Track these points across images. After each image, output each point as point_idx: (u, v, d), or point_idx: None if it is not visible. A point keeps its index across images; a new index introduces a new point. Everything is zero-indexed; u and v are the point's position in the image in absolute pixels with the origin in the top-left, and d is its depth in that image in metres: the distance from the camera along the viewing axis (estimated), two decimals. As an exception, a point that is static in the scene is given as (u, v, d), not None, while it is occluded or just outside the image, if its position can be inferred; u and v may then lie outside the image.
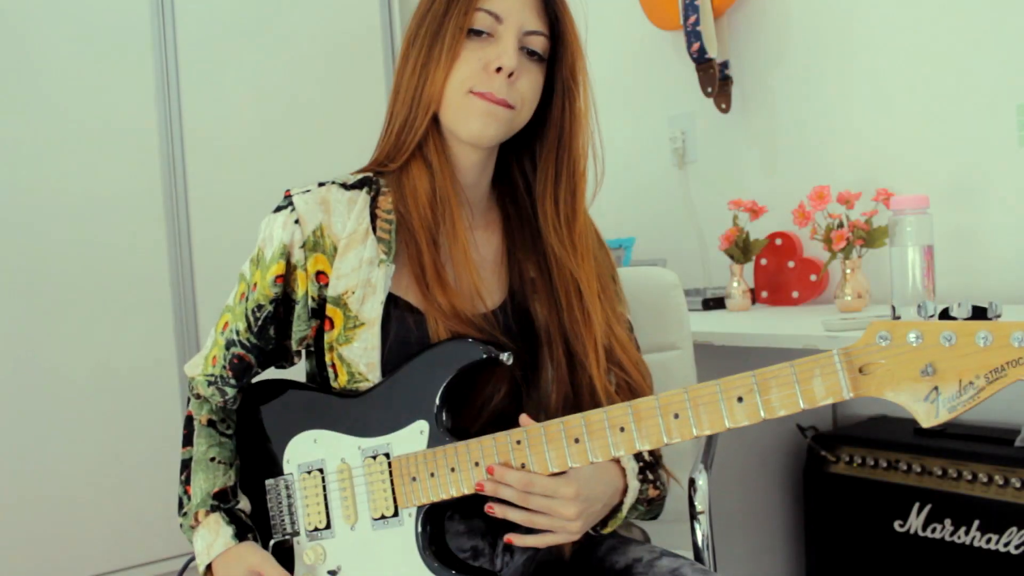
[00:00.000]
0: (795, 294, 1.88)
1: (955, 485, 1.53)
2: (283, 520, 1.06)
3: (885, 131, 1.84)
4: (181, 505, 1.07)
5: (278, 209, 1.03)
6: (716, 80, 2.03)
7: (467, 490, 0.93)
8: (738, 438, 1.74)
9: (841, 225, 1.67)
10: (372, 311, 0.99)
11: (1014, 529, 1.46)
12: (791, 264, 1.88)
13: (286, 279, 1.02)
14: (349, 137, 2.65)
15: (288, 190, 1.03)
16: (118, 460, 2.25)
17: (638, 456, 1.00)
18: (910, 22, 1.79)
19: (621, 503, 0.96)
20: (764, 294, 1.93)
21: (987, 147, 1.69)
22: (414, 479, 0.95)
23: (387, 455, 0.98)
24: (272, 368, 1.11)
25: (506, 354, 0.96)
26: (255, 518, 1.08)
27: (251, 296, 1.03)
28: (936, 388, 0.69)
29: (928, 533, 1.56)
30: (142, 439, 2.28)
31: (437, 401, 0.96)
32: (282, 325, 1.05)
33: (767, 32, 2.03)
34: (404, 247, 1.02)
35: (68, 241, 2.21)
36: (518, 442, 0.90)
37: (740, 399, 0.79)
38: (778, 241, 1.90)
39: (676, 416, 0.82)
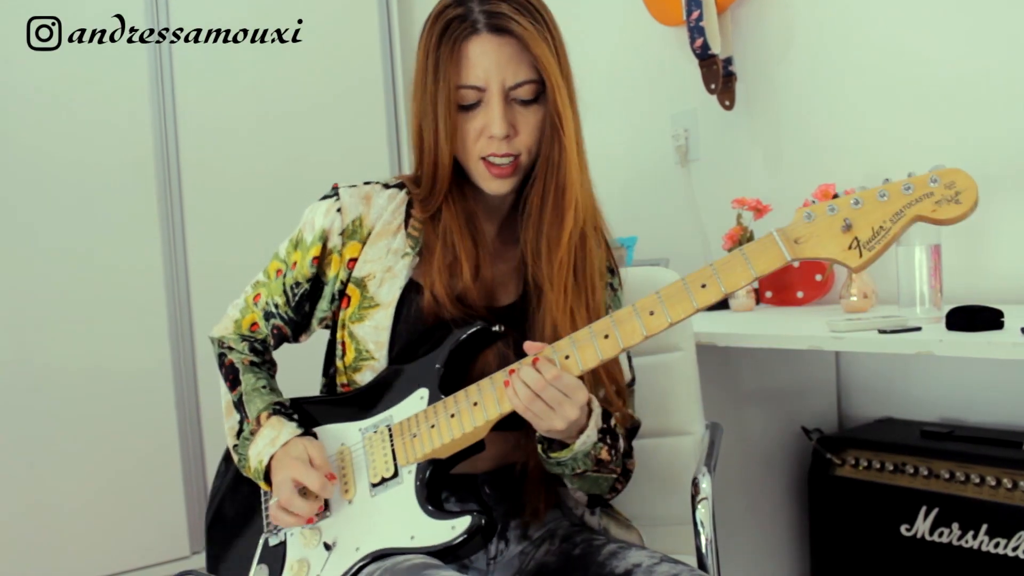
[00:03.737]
0: (800, 294, 1.87)
1: (962, 488, 1.53)
2: None
3: (891, 128, 1.83)
4: (239, 432, 1.11)
5: (324, 198, 1.14)
6: (719, 77, 2.02)
7: (467, 428, 0.99)
8: (742, 440, 1.73)
9: (847, 224, 1.65)
10: (389, 295, 1.09)
11: (1023, 533, 1.44)
12: (795, 263, 1.86)
13: (321, 261, 1.13)
14: (347, 140, 2.64)
15: (336, 183, 1.15)
16: (113, 465, 2.24)
17: (607, 419, 1.06)
18: (916, 18, 1.78)
19: (576, 439, 1.01)
20: (768, 294, 1.92)
21: (994, 145, 1.68)
22: (414, 435, 1.02)
23: (388, 426, 1.05)
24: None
25: (498, 326, 1.05)
26: (254, 519, 1.12)
27: (289, 274, 1.14)
28: (856, 238, 0.88)
29: (935, 537, 1.55)
30: (138, 443, 2.27)
31: (436, 368, 1.04)
32: (314, 303, 1.16)
33: (771, 28, 2.02)
34: (429, 246, 1.11)
35: (62, 244, 2.20)
36: (512, 372, 0.98)
37: (704, 285, 0.93)
38: (782, 240, 1.88)
39: (652, 313, 0.94)
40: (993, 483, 1.49)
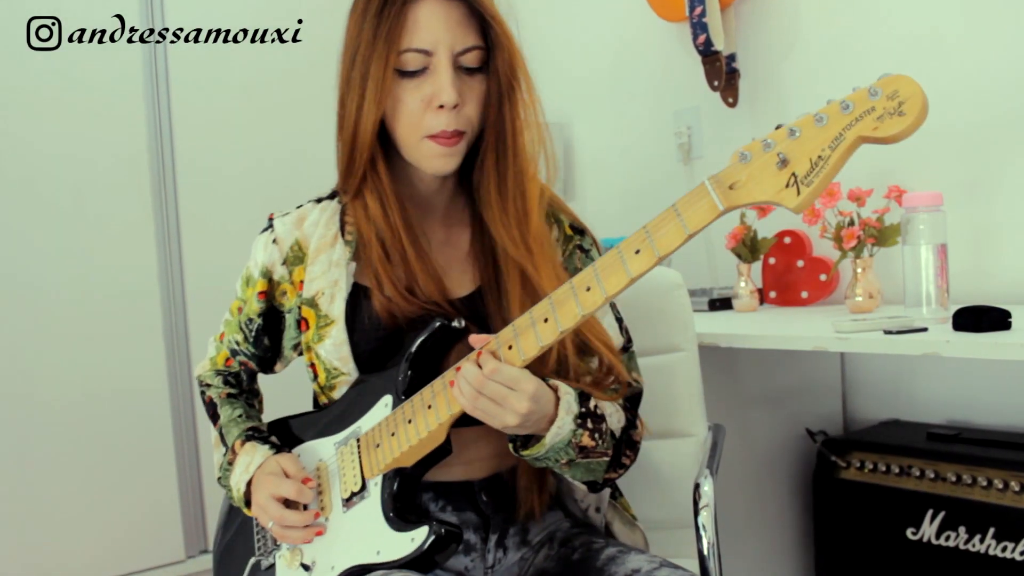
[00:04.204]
0: (804, 294, 1.86)
1: (969, 491, 1.51)
2: (267, 539, 1.10)
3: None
4: (222, 465, 1.13)
5: (262, 231, 1.12)
6: (723, 73, 2.00)
7: (423, 434, 0.95)
8: (745, 442, 1.72)
9: (852, 223, 1.65)
10: (337, 308, 1.06)
11: (1031, 537, 1.43)
12: (800, 263, 1.86)
13: (269, 295, 1.11)
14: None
15: (271, 213, 1.13)
16: (108, 468, 2.23)
17: (584, 402, 0.99)
18: (923, 14, 1.76)
19: (547, 431, 0.96)
20: (772, 294, 1.91)
21: (1002, 143, 1.66)
22: (378, 445, 1.00)
23: (357, 438, 1.03)
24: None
25: (457, 320, 1.00)
26: (245, 545, 1.13)
27: (244, 310, 1.14)
28: (793, 173, 0.77)
29: (942, 541, 1.54)
30: (133, 445, 2.26)
31: (400, 373, 1.00)
32: (275, 335, 1.14)
33: (775, 23, 2.01)
34: (365, 246, 1.07)
35: (58, 258, 2.18)
36: (459, 370, 0.94)
37: (638, 251, 0.84)
38: (787, 240, 1.88)
39: (588, 289, 0.87)
40: (1001, 486, 1.47)
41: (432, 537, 0.93)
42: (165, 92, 2.35)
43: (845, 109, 0.76)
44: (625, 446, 1.05)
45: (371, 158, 1.04)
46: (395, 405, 1.00)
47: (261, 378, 1.23)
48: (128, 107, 2.29)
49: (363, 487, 1.00)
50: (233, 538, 1.17)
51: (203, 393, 1.19)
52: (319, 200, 1.13)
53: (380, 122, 1.02)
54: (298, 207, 1.13)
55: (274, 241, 1.09)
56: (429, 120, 1.00)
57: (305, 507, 1.03)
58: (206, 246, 2.37)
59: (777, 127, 0.79)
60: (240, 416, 1.13)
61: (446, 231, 1.11)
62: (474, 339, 0.94)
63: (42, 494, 2.15)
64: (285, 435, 1.13)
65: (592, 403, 1.01)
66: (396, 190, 1.06)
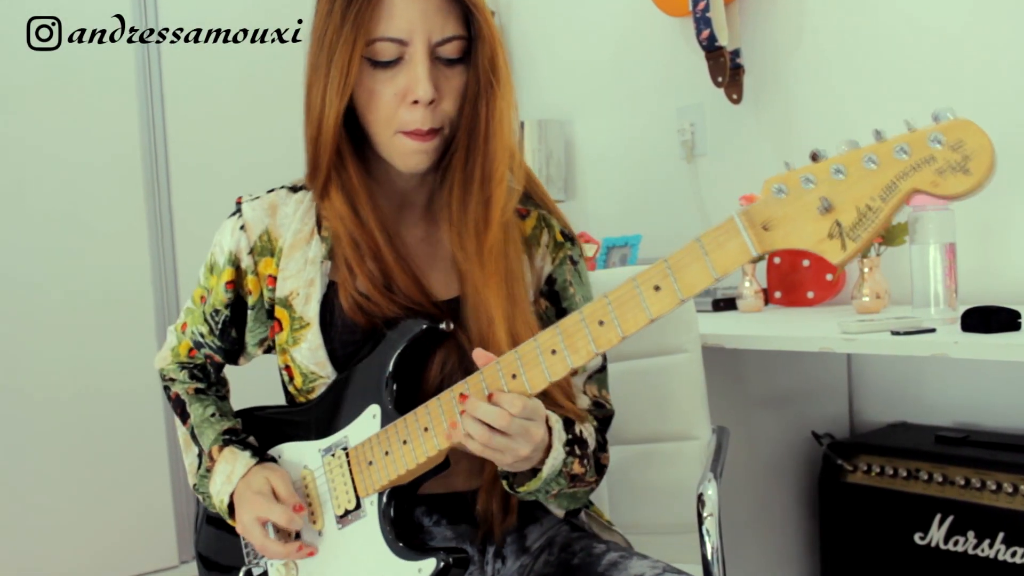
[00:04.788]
0: (810, 294, 1.85)
1: (978, 496, 1.51)
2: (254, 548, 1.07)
3: (904, 123, 1.79)
4: (197, 470, 1.09)
5: (229, 216, 1.06)
6: (727, 69, 1.99)
7: (421, 459, 0.91)
8: (749, 445, 1.71)
9: (858, 221, 1.62)
10: (312, 310, 1.01)
11: (1040, 542, 1.43)
12: (806, 263, 1.85)
13: (237, 284, 1.05)
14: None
15: (240, 197, 1.07)
16: (101, 472, 2.23)
17: (569, 428, 0.96)
18: (931, 7, 1.75)
19: (543, 463, 0.92)
20: (777, 294, 1.89)
21: (1012, 141, 1.64)
22: (370, 463, 0.95)
23: (345, 448, 0.99)
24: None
25: (444, 323, 0.96)
26: (230, 551, 1.09)
27: (209, 300, 1.08)
28: (837, 222, 0.69)
29: (950, 546, 1.53)
30: (126, 450, 2.26)
31: (385, 382, 0.96)
32: (243, 327, 1.08)
33: (781, 18, 2.00)
34: (339, 244, 1.02)
35: (50, 257, 2.19)
36: (461, 394, 0.89)
37: (657, 288, 0.78)
38: (792, 238, 1.86)
39: (601, 323, 0.80)
40: (1010, 490, 1.46)
41: (440, 565, 0.91)
42: (158, 91, 2.34)
43: (900, 153, 0.68)
44: (594, 469, 1.02)
45: (337, 152, 0.98)
46: (384, 419, 0.95)
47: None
48: (121, 107, 2.29)
49: (358, 505, 0.96)
50: (219, 545, 1.13)
51: (167, 388, 1.13)
52: (295, 189, 1.06)
53: (345, 113, 0.96)
54: (269, 191, 1.06)
55: (242, 227, 1.03)
56: (403, 115, 0.94)
57: (298, 535, 1.00)
58: (199, 247, 2.35)
59: (813, 155, 0.70)
60: (213, 415, 1.08)
61: (426, 228, 1.05)
62: (478, 356, 0.88)
63: (35, 498, 2.15)
64: (260, 430, 1.08)
65: (577, 428, 0.97)
66: (368, 186, 1.00)
